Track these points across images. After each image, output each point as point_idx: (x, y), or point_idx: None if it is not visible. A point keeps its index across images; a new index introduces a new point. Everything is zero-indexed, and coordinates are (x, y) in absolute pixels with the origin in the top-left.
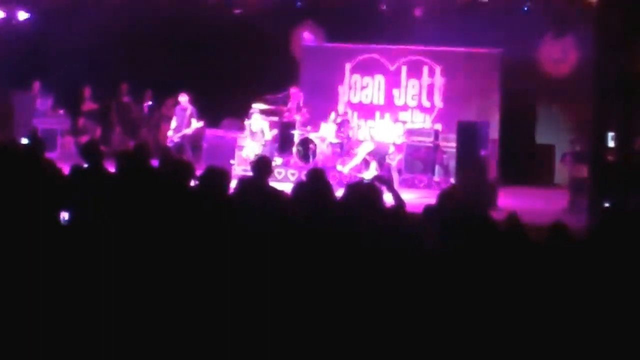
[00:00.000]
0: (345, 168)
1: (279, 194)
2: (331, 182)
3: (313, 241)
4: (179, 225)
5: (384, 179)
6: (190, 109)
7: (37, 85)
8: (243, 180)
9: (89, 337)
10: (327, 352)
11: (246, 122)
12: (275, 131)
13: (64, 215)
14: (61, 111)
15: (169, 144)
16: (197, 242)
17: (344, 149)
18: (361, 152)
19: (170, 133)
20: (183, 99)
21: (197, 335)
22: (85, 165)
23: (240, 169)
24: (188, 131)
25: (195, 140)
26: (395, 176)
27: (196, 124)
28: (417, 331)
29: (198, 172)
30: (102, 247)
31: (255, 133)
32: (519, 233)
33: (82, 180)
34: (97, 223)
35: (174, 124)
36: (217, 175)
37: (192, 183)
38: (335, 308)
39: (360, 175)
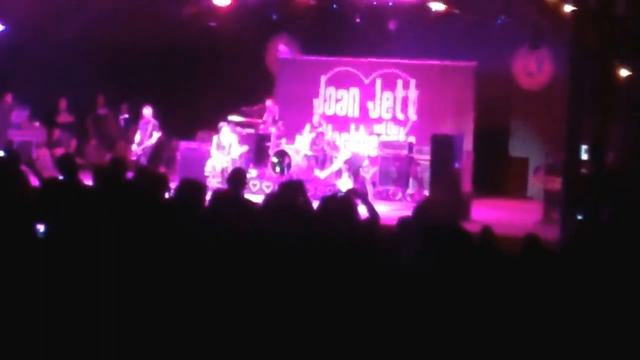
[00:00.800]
0: (322, 174)
1: (253, 206)
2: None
3: (287, 253)
4: (154, 237)
5: (359, 192)
6: (152, 122)
7: (9, 97)
8: (217, 193)
9: (65, 350)
10: None
11: (215, 136)
12: (245, 147)
13: (40, 228)
14: (37, 123)
15: (133, 158)
16: (172, 254)
17: (319, 161)
18: (339, 159)
19: (134, 147)
20: (147, 111)
21: (173, 345)
22: (61, 178)
23: (215, 181)
24: (149, 143)
25: (161, 153)
26: (369, 189)
27: (156, 135)
28: (390, 344)
29: (172, 184)
30: (78, 259)
31: (224, 146)
32: (492, 246)
33: (57, 192)
34: (73, 236)
35: (137, 137)
36: (193, 188)
37: (167, 195)
38: (309, 320)
39: (336, 182)
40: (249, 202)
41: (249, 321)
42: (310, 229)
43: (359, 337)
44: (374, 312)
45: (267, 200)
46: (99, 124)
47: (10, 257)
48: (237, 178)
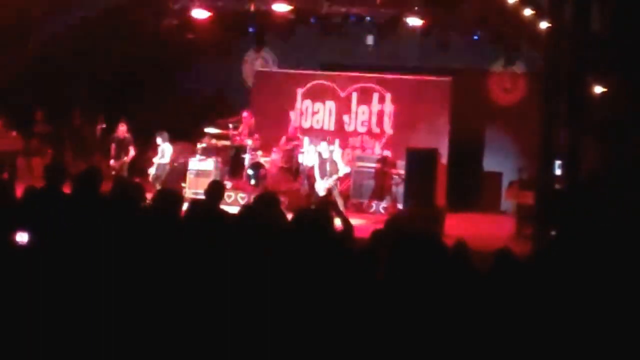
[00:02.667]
0: (327, 182)
1: (229, 217)
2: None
3: (262, 265)
4: (131, 248)
5: (333, 204)
6: (127, 137)
7: None
8: (194, 203)
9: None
10: None
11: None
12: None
13: (21, 237)
14: (13, 133)
15: (112, 172)
16: (148, 264)
17: (294, 173)
18: (340, 164)
19: (112, 162)
20: (122, 128)
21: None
22: (42, 186)
23: (190, 192)
24: (126, 159)
25: (137, 165)
26: (339, 202)
27: (131, 152)
28: (364, 355)
29: (149, 195)
30: (57, 268)
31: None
32: (465, 260)
33: (37, 201)
34: (52, 244)
35: (114, 152)
36: (169, 198)
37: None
38: (284, 332)
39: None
40: (225, 213)
41: (225, 332)
42: (284, 241)
43: (333, 349)
44: (348, 324)
45: (242, 212)
46: (75, 134)
47: None
48: (214, 190)
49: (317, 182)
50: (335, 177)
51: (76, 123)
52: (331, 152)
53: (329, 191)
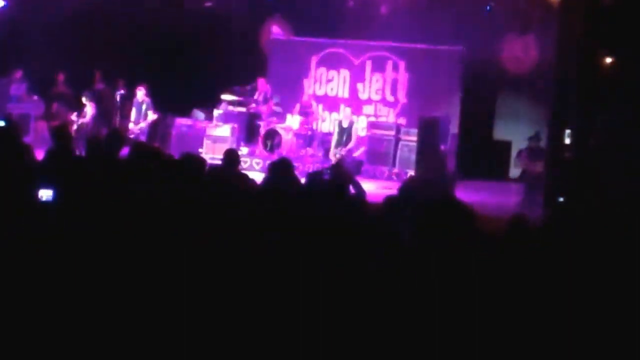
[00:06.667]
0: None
1: (247, 182)
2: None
3: (278, 229)
4: (152, 211)
5: (344, 169)
6: (146, 101)
7: (19, 73)
8: (212, 169)
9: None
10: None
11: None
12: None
13: (43, 194)
14: (35, 97)
15: (131, 135)
16: (170, 227)
17: (308, 140)
18: (354, 138)
19: (131, 125)
20: (140, 92)
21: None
22: (55, 147)
23: (208, 157)
24: (144, 123)
25: (156, 130)
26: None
27: (151, 116)
28: (383, 323)
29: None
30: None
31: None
32: (474, 226)
33: (54, 161)
34: (69, 203)
35: (133, 116)
36: (194, 162)
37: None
38: (300, 299)
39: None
40: (243, 177)
41: (241, 297)
42: (299, 205)
43: (349, 314)
44: (362, 286)
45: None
46: (96, 98)
47: (9, 223)
48: (230, 156)
49: (330, 150)
50: (348, 147)
51: (97, 87)
52: (351, 123)
53: (341, 160)
